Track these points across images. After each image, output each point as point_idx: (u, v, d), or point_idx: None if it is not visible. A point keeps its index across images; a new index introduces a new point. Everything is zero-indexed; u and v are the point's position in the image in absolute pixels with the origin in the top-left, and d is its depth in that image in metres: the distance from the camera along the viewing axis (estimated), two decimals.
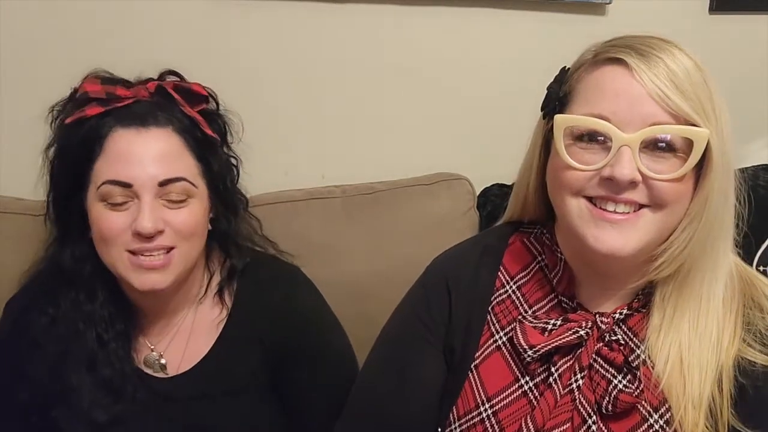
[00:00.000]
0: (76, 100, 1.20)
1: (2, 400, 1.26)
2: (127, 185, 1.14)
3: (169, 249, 1.17)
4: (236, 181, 1.34)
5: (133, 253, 1.16)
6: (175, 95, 1.21)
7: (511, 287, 1.16)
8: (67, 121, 1.18)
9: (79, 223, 1.21)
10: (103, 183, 1.15)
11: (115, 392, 1.23)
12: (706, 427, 1.00)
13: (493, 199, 1.69)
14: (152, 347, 1.29)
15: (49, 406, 1.23)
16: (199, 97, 1.24)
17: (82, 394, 1.21)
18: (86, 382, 1.22)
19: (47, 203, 1.26)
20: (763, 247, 1.66)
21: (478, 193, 1.72)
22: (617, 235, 0.99)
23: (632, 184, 0.97)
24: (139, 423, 1.24)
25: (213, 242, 1.29)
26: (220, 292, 1.30)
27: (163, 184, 1.15)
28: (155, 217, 1.14)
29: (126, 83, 1.23)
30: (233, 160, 1.33)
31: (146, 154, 1.15)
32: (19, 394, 1.23)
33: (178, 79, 1.26)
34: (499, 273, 1.18)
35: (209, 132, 1.23)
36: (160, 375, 1.29)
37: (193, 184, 1.19)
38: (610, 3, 1.73)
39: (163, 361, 1.29)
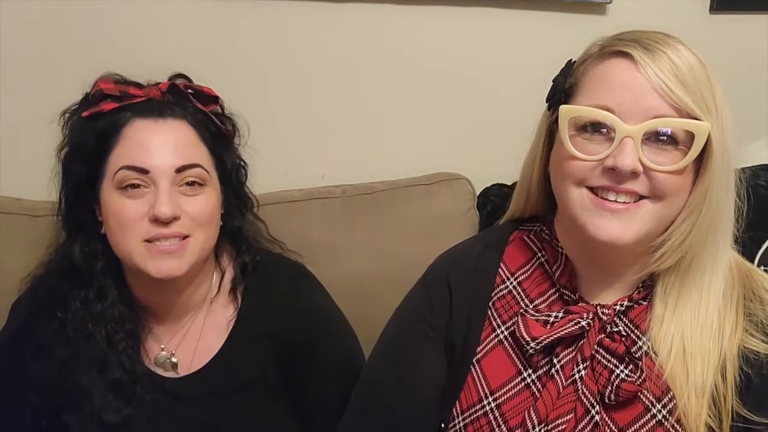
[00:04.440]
0: (89, 98, 1.21)
1: (11, 403, 1.25)
2: (144, 171, 1.16)
3: (184, 237, 1.19)
4: (245, 181, 1.36)
5: (149, 241, 1.17)
6: (188, 93, 1.24)
7: (511, 283, 1.17)
8: (84, 114, 1.19)
9: (89, 219, 1.22)
10: (120, 168, 1.16)
11: (126, 394, 1.23)
12: (709, 416, 1.01)
13: (493, 199, 1.69)
14: (162, 346, 1.29)
15: (59, 410, 1.23)
16: (209, 98, 1.27)
17: (93, 395, 1.21)
18: (97, 384, 1.22)
19: (59, 200, 1.26)
20: (764, 247, 1.66)
21: (478, 193, 1.72)
22: (617, 223, 1.00)
23: (633, 175, 0.99)
24: (150, 423, 1.24)
25: (224, 240, 1.30)
26: (233, 290, 1.31)
27: (180, 170, 1.17)
28: (172, 203, 1.16)
29: (138, 84, 1.24)
30: (241, 162, 1.35)
31: (163, 143, 1.18)
32: (28, 398, 1.23)
33: (187, 82, 1.27)
34: (499, 269, 1.19)
35: (222, 126, 1.26)
36: (171, 374, 1.29)
37: (208, 172, 1.22)
38: (610, 3, 1.74)
39: (174, 359, 1.29)
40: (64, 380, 1.22)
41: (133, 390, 1.23)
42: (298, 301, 1.31)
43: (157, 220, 1.15)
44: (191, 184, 1.19)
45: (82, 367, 1.22)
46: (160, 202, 1.15)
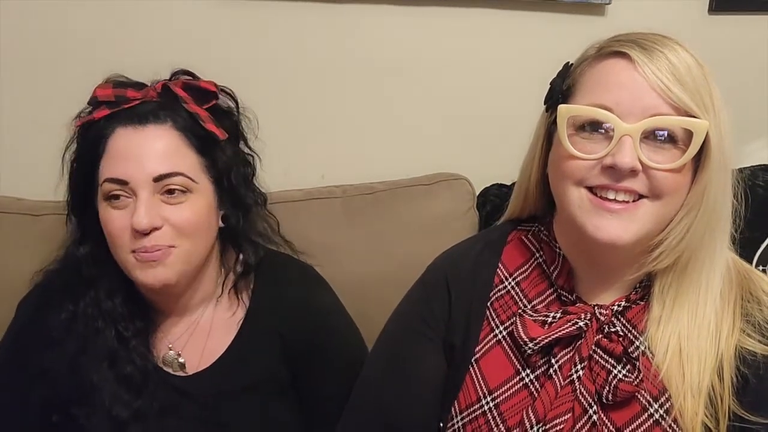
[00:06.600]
0: (90, 105, 1.22)
1: (21, 399, 1.25)
2: (123, 182, 1.15)
3: (168, 247, 1.17)
4: (252, 177, 1.34)
5: (134, 251, 1.17)
6: (181, 93, 1.22)
7: (509, 283, 1.17)
8: (77, 124, 1.20)
9: (95, 225, 1.21)
10: (104, 181, 1.17)
11: (136, 388, 1.23)
12: (706, 416, 1.01)
13: (492, 199, 1.69)
14: (170, 346, 1.29)
15: (69, 403, 1.23)
16: (208, 93, 1.25)
17: (104, 390, 1.22)
18: (107, 379, 1.22)
19: (67, 205, 1.27)
20: (763, 246, 1.67)
21: (478, 193, 1.72)
22: (616, 223, 1.00)
23: (632, 173, 0.99)
24: (158, 420, 1.24)
25: (226, 240, 1.30)
26: (235, 289, 1.31)
27: (158, 179, 1.16)
28: (151, 213, 1.15)
29: (139, 86, 1.23)
30: (249, 157, 1.33)
31: (142, 151, 1.16)
32: (38, 392, 1.23)
33: (190, 78, 1.26)
34: (498, 270, 1.19)
35: (211, 127, 1.23)
36: (179, 374, 1.29)
37: (192, 180, 1.19)
38: (609, 3, 1.74)
39: (181, 359, 1.29)
40: (74, 374, 1.22)
41: (143, 385, 1.23)
42: (308, 303, 1.32)
43: (136, 231, 1.14)
44: (172, 192, 1.17)
45: (92, 361, 1.23)
46: (137, 212, 1.14)
